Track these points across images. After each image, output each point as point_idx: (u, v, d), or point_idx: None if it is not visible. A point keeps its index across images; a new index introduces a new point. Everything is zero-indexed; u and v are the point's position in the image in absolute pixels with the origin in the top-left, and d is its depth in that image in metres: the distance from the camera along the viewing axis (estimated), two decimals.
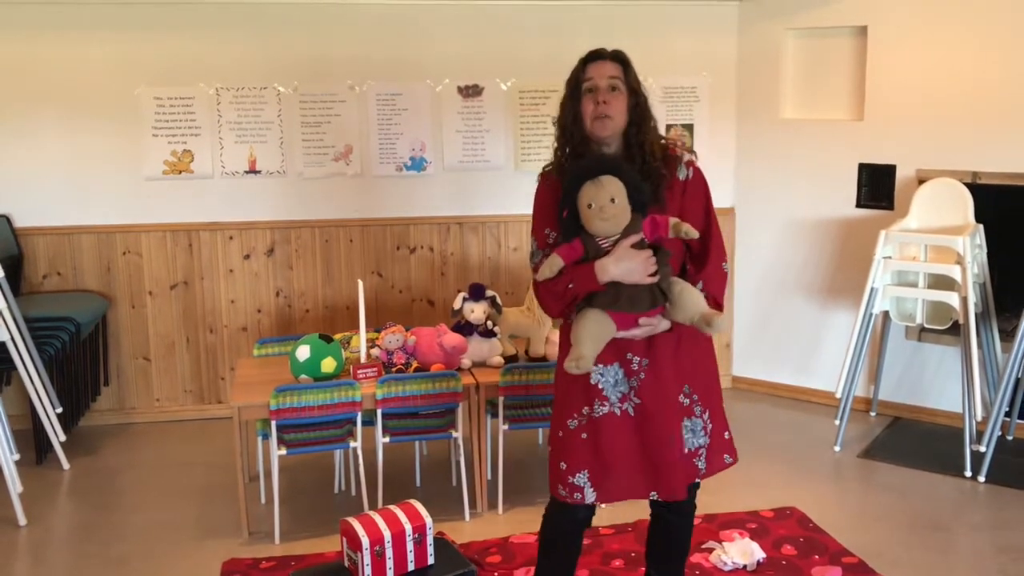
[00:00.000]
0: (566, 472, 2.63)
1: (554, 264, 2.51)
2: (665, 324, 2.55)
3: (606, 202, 2.44)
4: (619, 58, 2.60)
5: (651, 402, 2.59)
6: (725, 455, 2.75)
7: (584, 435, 2.62)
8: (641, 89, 2.60)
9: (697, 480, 2.72)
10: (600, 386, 2.60)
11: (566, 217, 2.52)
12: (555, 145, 2.67)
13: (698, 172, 2.66)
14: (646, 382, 2.59)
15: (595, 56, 2.60)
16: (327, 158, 5.16)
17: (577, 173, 2.49)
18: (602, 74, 2.56)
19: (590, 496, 2.62)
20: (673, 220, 2.49)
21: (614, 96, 2.55)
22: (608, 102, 2.53)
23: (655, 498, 2.66)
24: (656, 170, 2.57)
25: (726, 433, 2.77)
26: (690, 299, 2.50)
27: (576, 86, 2.59)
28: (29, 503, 4.07)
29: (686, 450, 2.63)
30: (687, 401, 2.64)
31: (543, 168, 2.71)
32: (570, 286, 2.52)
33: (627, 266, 2.46)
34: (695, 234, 2.47)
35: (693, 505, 2.84)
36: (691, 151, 2.68)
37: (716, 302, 2.60)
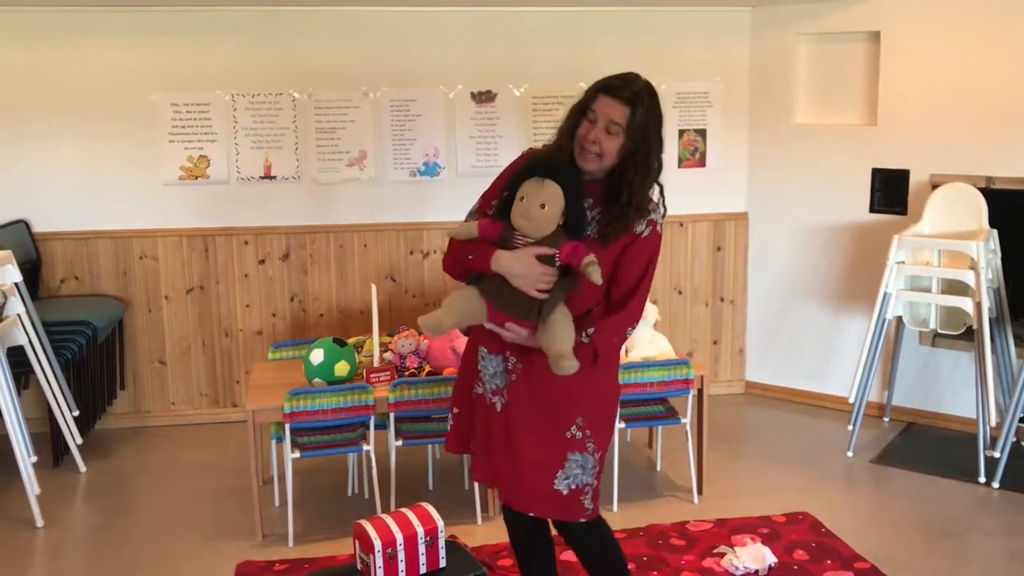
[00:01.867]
0: (458, 417, 2.78)
1: (470, 230, 2.54)
2: (531, 341, 2.49)
3: (534, 204, 2.42)
4: (632, 103, 2.45)
5: (518, 410, 2.58)
6: (597, 500, 2.68)
7: (456, 410, 2.78)
8: (647, 140, 2.47)
9: (582, 520, 2.63)
10: (480, 370, 2.65)
11: (504, 197, 2.51)
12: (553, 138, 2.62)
13: (655, 234, 2.54)
14: (517, 386, 2.58)
15: (609, 91, 2.48)
16: (341, 163, 5.20)
17: (534, 164, 2.48)
18: (606, 114, 2.45)
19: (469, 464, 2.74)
20: (590, 257, 2.42)
21: (608, 137, 2.45)
22: (598, 141, 2.45)
23: (509, 506, 2.68)
24: (624, 220, 2.48)
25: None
26: (557, 332, 2.43)
27: (582, 107, 2.51)
28: (46, 505, 4.11)
29: (572, 485, 2.57)
30: (580, 435, 2.57)
31: (540, 145, 2.69)
32: (469, 257, 2.53)
33: (519, 269, 2.44)
34: (598, 281, 2.40)
35: (590, 539, 2.74)
36: (656, 210, 2.55)
37: (595, 352, 2.51)
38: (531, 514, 2.66)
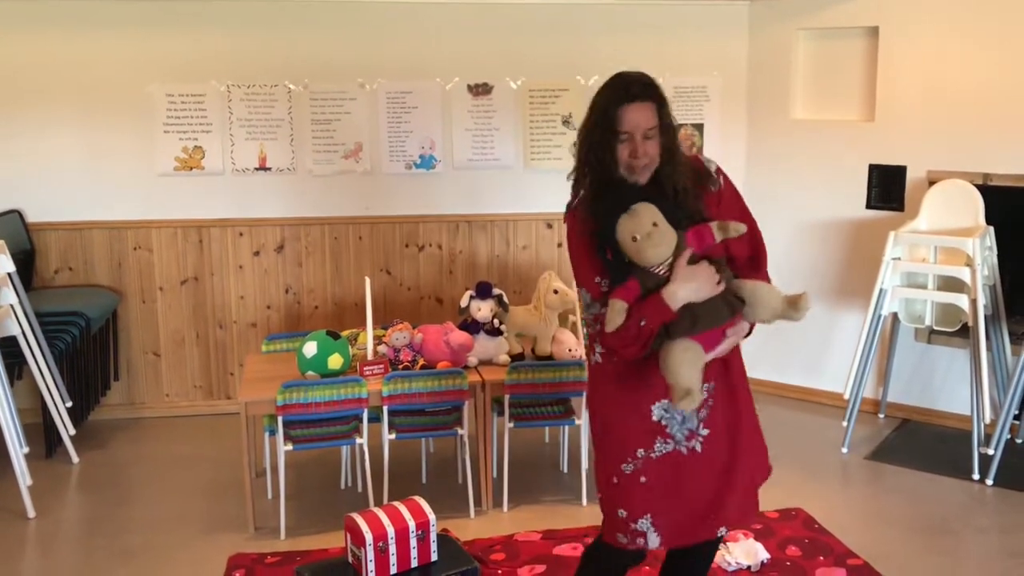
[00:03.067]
0: (627, 519, 2.46)
1: (619, 309, 2.32)
2: (746, 327, 2.44)
3: (650, 228, 2.31)
4: (653, 95, 2.38)
5: (717, 430, 2.47)
6: (766, 459, 2.70)
7: (643, 479, 2.45)
8: (673, 125, 2.42)
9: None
10: (664, 423, 2.43)
11: (611, 259, 2.38)
12: (573, 177, 2.47)
13: (727, 180, 2.54)
14: (715, 408, 2.47)
15: (629, 97, 2.35)
16: (337, 155, 5.18)
17: (608, 210, 2.36)
18: (639, 124, 2.34)
19: (654, 541, 2.46)
20: (715, 223, 2.39)
21: (650, 144, 2.37)
22: (646, 152, 2.36)
23: (723, 534, 2.52)
24: (690, 197, 2.42)
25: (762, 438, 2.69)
26: (767, 292, 2.41)
27: (607, 127, 2.36)
28: (38, 496, 4.10)
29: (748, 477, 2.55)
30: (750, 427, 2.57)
31: (567, 206, 2.50)
32: (642, 323, 2.31)
33: (695, 283, 2.33)
34: (743, 229, 2.39)
35: (719, 539, 2.63)
36: (709, 162, 2.53)
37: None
38: (744, 525, 2.61)
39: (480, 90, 5.25)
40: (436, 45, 5.16)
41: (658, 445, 2.44)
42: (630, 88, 2.37)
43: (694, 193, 2.43)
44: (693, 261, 2.35)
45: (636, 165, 2.37)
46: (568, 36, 5.20)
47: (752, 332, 2.50)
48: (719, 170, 2.53)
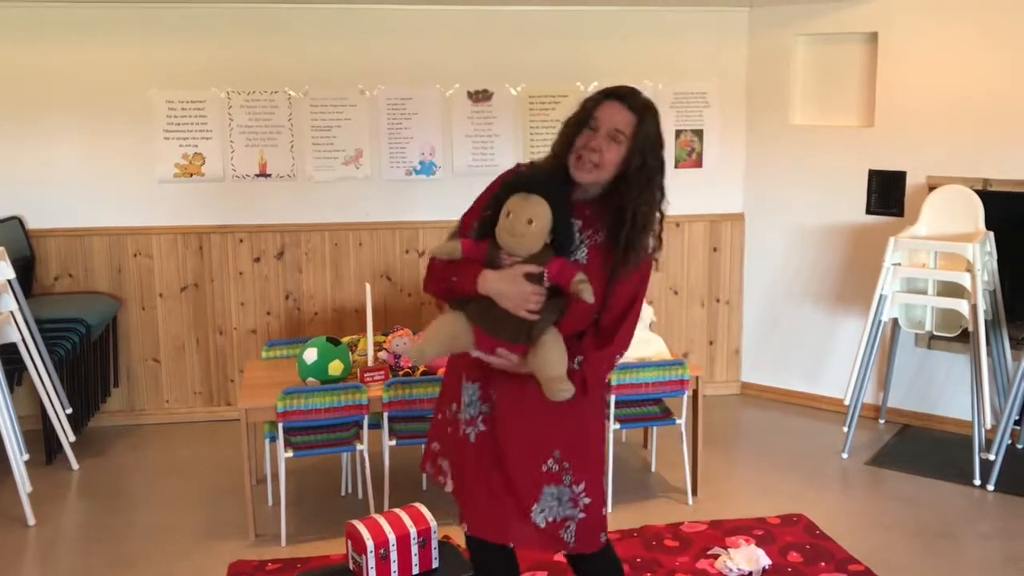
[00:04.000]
0: (437, 453, 2.63)
1: (453, 250, 2.40)
2: (521, 366, 2.37)
3: (521, 220, 2.29)
4: (639, 111, 2.36)
5: (493, 437, 2.46)
6: (601, 533, 2.54)
7: (449, 429, 2.57)
8: (654, 154, 2.36)
9: (564, 552, 2.55)
10: (461, 396, 2.52)
11: (487, 216, 2.40)
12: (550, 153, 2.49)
13: (647, 261, 2.43)
14: (496, 416, 2.46)
15: (615, 96, 2.37)
16: (337, 162, 5.18)
17: (518, 179, 2.36)
18: (611, 119, 2.34)
19: (450, 486, 2.58)
20: (580, 275, 2.30)
21: (610, 147, 2.33)
22: (600, 150, 2.33)
23: (482, 538, 2.55)
24: (636, 247, 2.36)
25: (604, 509, 2.55)
26: (550, 356, 2.32)
27: (584, 116, 2.38)
28: (38, 503, 4.09)
29: (549, 519, 2.46)
30: (556, 467, 2.45)
31: (528, 161, 2.55)
32: (453, 279, 2.40)
33: (506, 289, 2.31)
34: (590, 299, 2.27)
35: (605, 562, 2.61)
36: (654, 247, 2.44)
37: (583, 382, 2.39)
38: (508, 544, 2.56)
39: (480, 96, 5.25)
40: (436, 52, 5.17)
41: (453, 406, 2.56)
42: (619, 90, 2.39)
43: (632, 257, 2.36)
44: (536, 281, 2.31)
45: (584, 155, 2.34)
46: (568, 43, 5.20)
47: (594, 395, 2.47)
48: (644, 247, 2.41)
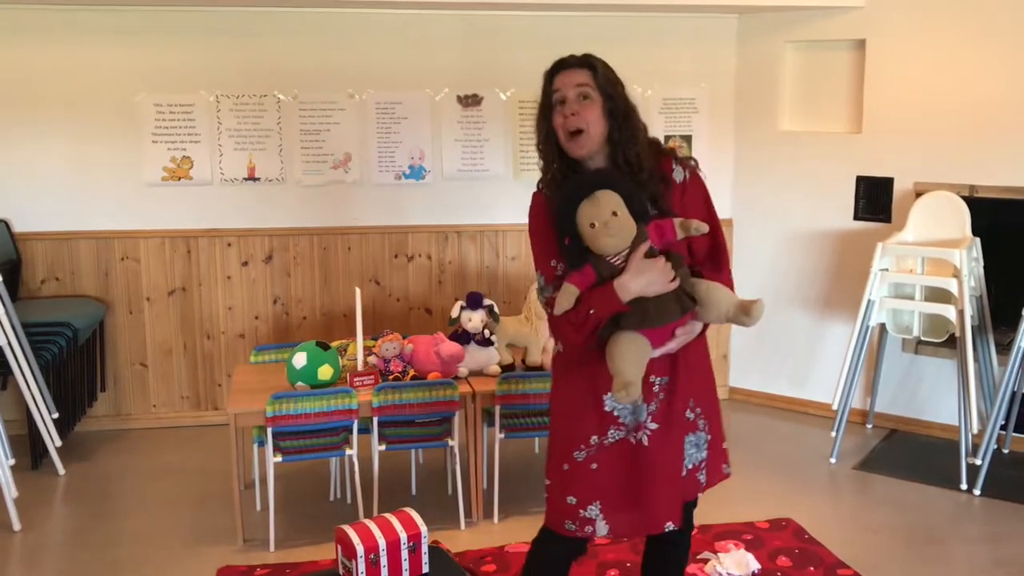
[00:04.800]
0: (576, 506, 2.47)
1: (570, 293, 2.32)
2: (698, 327, 2.43)
3: (608, 217, 2.28)
4: (587, 63, 2.40)
5: (664, 426, 2.44)
6: (723, 464, 2.63)
7: (594, 465, 2.45)
8: (619, 92, 2.40)
9: (698, 495, 2.59)
10: (616, 413, 2.43)
11: (568, 244, 2.36)
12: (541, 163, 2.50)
13: (695, 173, 2.50)
14: (663, 404, 2.44)
15: (561, 65, 2.42)
16: (326, 166, 5.17)
17: (568, 196, 2.33)
18: (569, 83, 2.37)
19: (602, 529, 2.46)
20: (678, 220, 2.35)
21: (585, 106, 2.36)
22: (578, 113, 2.35)
23: (671, 528, 2.48)
24: (649, 177, 2.40)
25: (724, 443, 2.64)
26: (720, 294, 2.38)
27: (545, 101, 2.42)
28: (24, 508, 4.06)
29: (689, 466, 2.50)
30: (691, 415, 2.49)
31: (537, 185, 2.52)
32: (592, 312, 2.31)
33: (647, 278, 2.29)
34: (705, 228, 2.33)
35: (692, 525, 2.70)
36: (689, 158, 2.52)
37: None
38: (672, 525, 2.49)
39: (470, 101, 5.26)
40: (426, 56, 5.17)
41: (611, 432, 2.45)
42: (563, 59, 2.43)
43: (657, 176, 2.41)
44: (651, 255, 2.32)
45: (571, 126, 2.36)
46: (557, 48, 5.10)
47: (706, 331, 2.50)
48: (686, 163, 2.49)
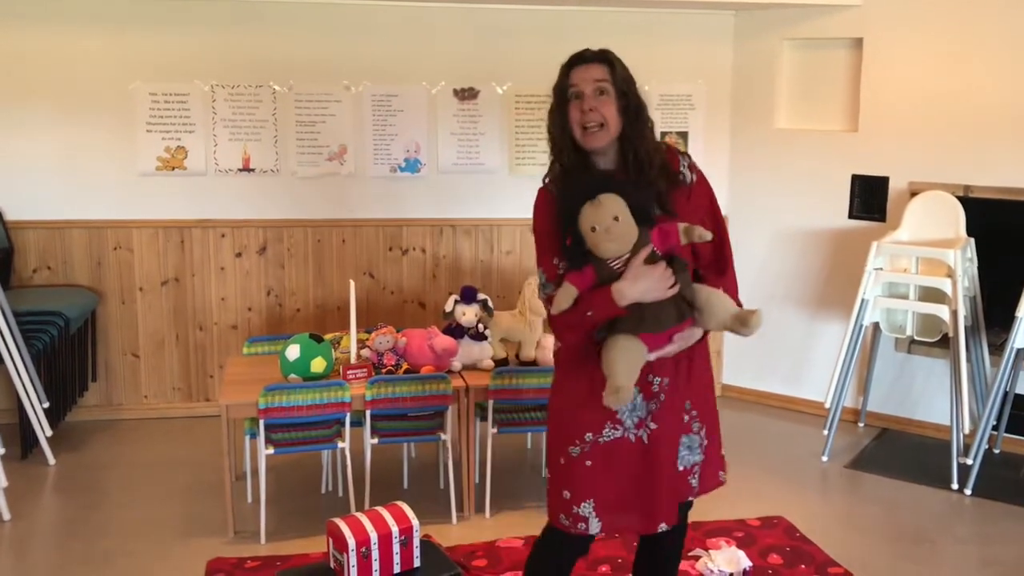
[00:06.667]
0: (570, 501, 2.48)
1: (568, 294, 2.33)
2: (698, 333, 2.43)
3: (610, 222, 2.29)
4: (605, 59, 2.42)
5: (664, 426, 2.45)
6: (720, 471, 2.63)
7: (589, 462, 2.45)
8: (633, 90, 2.42)
9: (690, 499, 2.59)
10: (615, 409, 2.42)
11: (570, 244, 2.36)
12: (551, 157, 2.50)
13: (700, 174, 2.52)
14: (664, 404, 2.45)
15: (578, 60, 2.43)
16: (321, 158, 5.16)
17: (571, 198, 2.34)
18: (587, 78, 2.39)
19: (594, 527, 2.48)
20: (683, 226, 2.35)
21: (602, 101, 2.37)
22: (596, 108, 2.36)
23: (664, 528, 2.50)
24: (657, 179, 2.41)
25: (721, 450, 2.64)
26: (719, 303, 2.38)
27: (562, 94, 2.42)
28: (14, 498, 4.04)
29: (681, 467, 2.51)
30: (687, 418, 2.51)
31: (543, 180, 2.51)
32: (589, 314, 2.33)
33: (645, 285, 2.30)
34: (708, 236, 2.33)
35: (685, 526, 2.71)
36: (685, 153, 2.54)
37: (738, 305, 2.46)
38: (664, 526, 2.51)
39: (466, 94, 5.24)
40: (422, 49, 5.15)
41: (607, 430, 2.45)
42: (581, 53, 2.44)
43: (664, 177, 2.42)
44: (652, 260, 2.33)
45: (588, 121, 2.37)
46: (554, 42, 5.14)
47: (707, 336, 2.50)
48: (692, 164, 2.51)
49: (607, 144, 2.41)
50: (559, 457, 2.51)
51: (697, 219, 2.42)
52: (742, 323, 2.36)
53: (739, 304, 2.47)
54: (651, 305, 2.32)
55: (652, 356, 2.37)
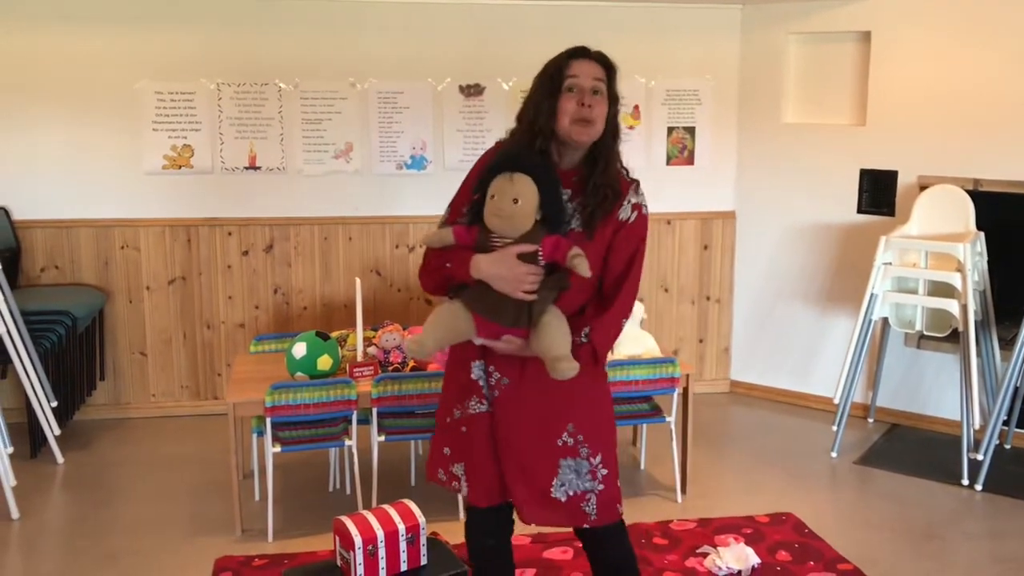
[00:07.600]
0: (449, 458, 2.58)
1: (444, 238, 2.38)
2: (526, 350, 2.36)
3: (507, 201, 2.27)
4: (605, 62, 2.41)
5: (503, 424, 2.47)
6: (617, 504, 2.57)
7: (464, 428, 2.53)
8: (618, 107, 2.42)
9: (585, 526, 2.54)
10: (480, 382, 2.48)
11: (475, 200, 2.38)
12: (510, 133, 2.48)
13: (642, 218, 2.44)
14: (501, 400, 2.46)
15: (581, 52, 2.40)
16: (327, 155, 5.15)
17: (500, 160, 2.33)
18: (588, 74, 2.36)
19: (464, 490, 2.56)
20: (575, 250, 2.28)
21: (596, 100, 2.35)
22: (592, 106, 2.34)
23: (517, 517, 2.56)
24: (605, 196, 2.37)
25: (618, 481, 2.58)
26: (552, 334, 2.29)
27: (555, 81, 2.36)
28: (22, 497, 4.05)
29: (570, 492, 2.49)
30: (571, 441, 2.47)
31: (504, 135, 2.51)
32: (448, 265, 2.38)
33: (499, 271, 2.29)
34: (586, 273, 2.26)
35: (619, 537, 2.64)
36: (639, 193, 2.46)
37: (595, 352, 2.39)
38: (534, 524, 2.55)
39: (472, 91, 5.23)
40: (428, 45, 5.14)
41: (473, 403, 2.50)
42: (584, 48, 2.43)
43: (612, 193, 2.38)
44: (530, 259, 2.29)
45: (584, 116, 2.34)
46: (560, 37, 5.09)
47: (603, 366, 2.51)
48: (639, 205, 2.44)
49: (588, 141, 2.38)
50: (446, 416, 2.58)
51: (615, 255, 2.40)
52: (552, 366, 2.28)
53: (597, 351, 2.40)
54: (496, 293, 2.32)
55: (479, 341, 2.39)
